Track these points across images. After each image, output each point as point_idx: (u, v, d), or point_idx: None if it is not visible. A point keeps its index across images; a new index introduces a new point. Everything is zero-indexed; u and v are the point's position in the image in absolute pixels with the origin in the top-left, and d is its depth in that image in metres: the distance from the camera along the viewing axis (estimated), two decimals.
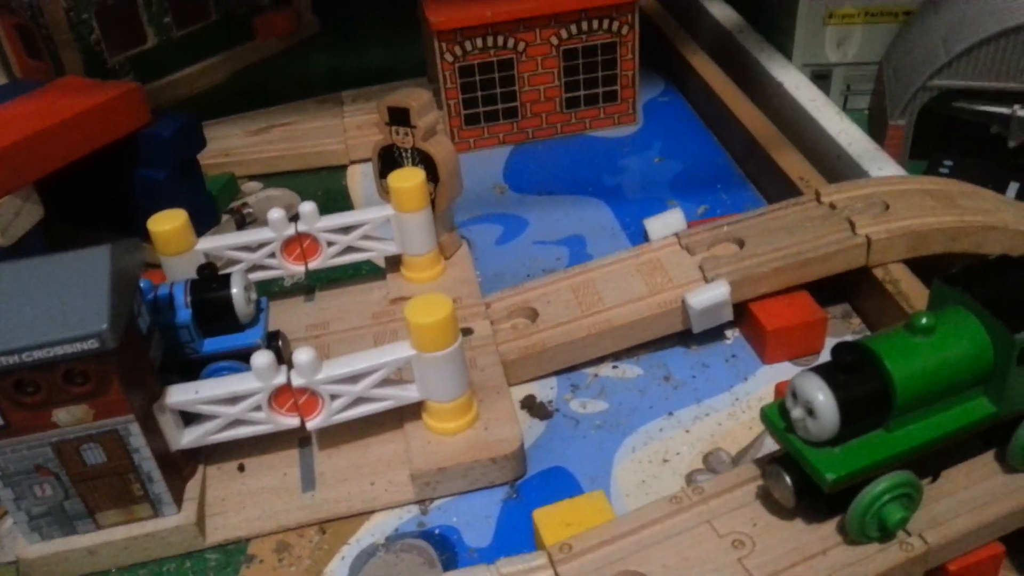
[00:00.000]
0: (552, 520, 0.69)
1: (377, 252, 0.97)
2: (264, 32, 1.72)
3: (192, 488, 0.76)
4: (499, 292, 0.95)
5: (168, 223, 0.89)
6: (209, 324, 0.80)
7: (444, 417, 0.77)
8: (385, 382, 0.76)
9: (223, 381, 0.75)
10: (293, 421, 0.75)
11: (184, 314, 0.78)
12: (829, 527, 0.64)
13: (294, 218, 0.93)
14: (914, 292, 0.87)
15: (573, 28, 1.25)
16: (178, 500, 0.74)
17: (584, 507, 0.70)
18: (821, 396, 0.60)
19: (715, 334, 0.92)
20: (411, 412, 0.79)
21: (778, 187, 1.10)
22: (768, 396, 0.84)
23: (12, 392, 0.65)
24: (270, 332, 0.83)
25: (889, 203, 0.93)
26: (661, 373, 0.89)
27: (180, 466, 0.76)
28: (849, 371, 0.61)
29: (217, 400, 0.73)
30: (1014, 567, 0.68)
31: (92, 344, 0.64)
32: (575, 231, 1.12)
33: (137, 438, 0.69)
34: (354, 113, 1.39)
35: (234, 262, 0.92)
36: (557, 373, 0.89)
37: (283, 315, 0.95)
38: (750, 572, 0.62)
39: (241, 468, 0.79)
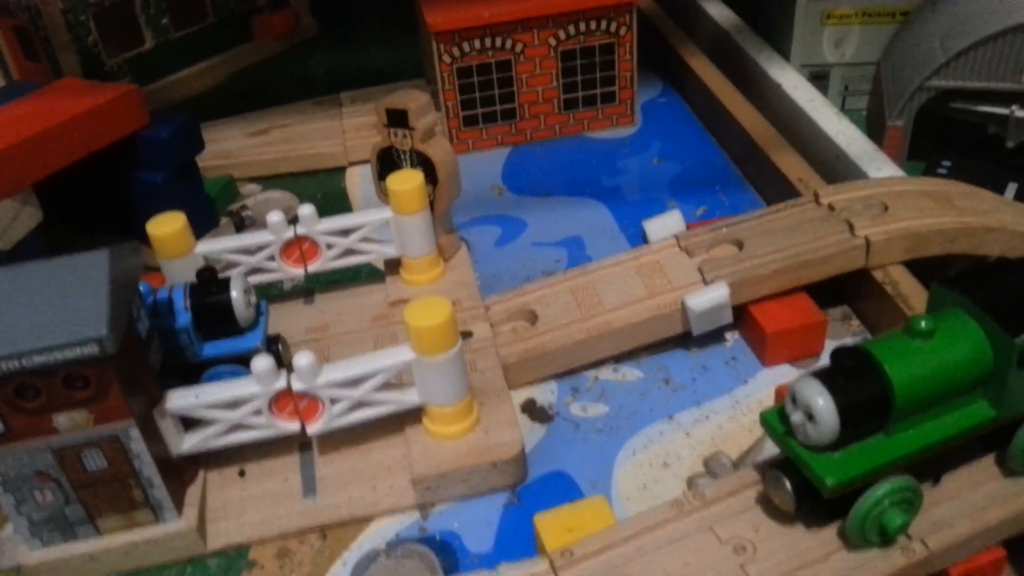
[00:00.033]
0: (553, 525, 0.69)
1: (376, 254, 0.97)
2: (262, 33, 1.72)
3: (193, 493, 0.76)
4: (498, 295, 0.95)
5: (167, 226, 0.89)
6: (209, 328, 0.80)
7: (445, 421, 0.77)
8: (385, 386, 0.75)
9: (223, 386, 0.75)
10: (294, 426, 0.75)
11: (184, 318, 0.78)
12: (831, 532, 0.64)
13: (293, 220, 0.93)
14: (913, 294, 0.87)
15: (571, 29, 1.25)
16: (179, 506, 0.74)
17: (585, 512, 0.70)
18: (821, 401, 0.60)
19: (715, 337, 0.92)
20: (411, 416, 0.79)
21: (777, 188, 1.10)
22: (768, 399, 0.84)
23: (12, 397, 0.65)
24: (270, 336, 0.83)
25: (888, 204, 0.94)
26: (661, 376, 0.89)
27: (181, 471, 0.76)
28: (848, 375, 0.61)
29: (217, 405, 0.73)
30: (1016, 571, 0.68)
31: (92, 349, 0.63)
32: (574, 232, 1.12)
33: (137, 443, 0.69)
34: (353, 115, 1.39)
35: (233, 265, 0.92)
36: (557, 376, 0.89)
37: (283, 318, 0.95)
38: None
39: (242, 473, 0.79)
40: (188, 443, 0.74)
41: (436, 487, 0.76)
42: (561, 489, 0.78)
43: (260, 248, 0.93)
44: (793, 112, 1.22)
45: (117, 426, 0.68)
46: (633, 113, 1.34)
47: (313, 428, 0.75)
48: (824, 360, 0.64)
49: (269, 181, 1.30)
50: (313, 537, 0.75)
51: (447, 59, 1.24)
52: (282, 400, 0.74)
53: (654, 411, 0.85)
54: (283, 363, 0.80)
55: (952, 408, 0.64)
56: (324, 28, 1.84)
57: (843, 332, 0.92)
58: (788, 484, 0.63)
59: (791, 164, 1.10)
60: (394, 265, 0.99)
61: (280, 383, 0.73)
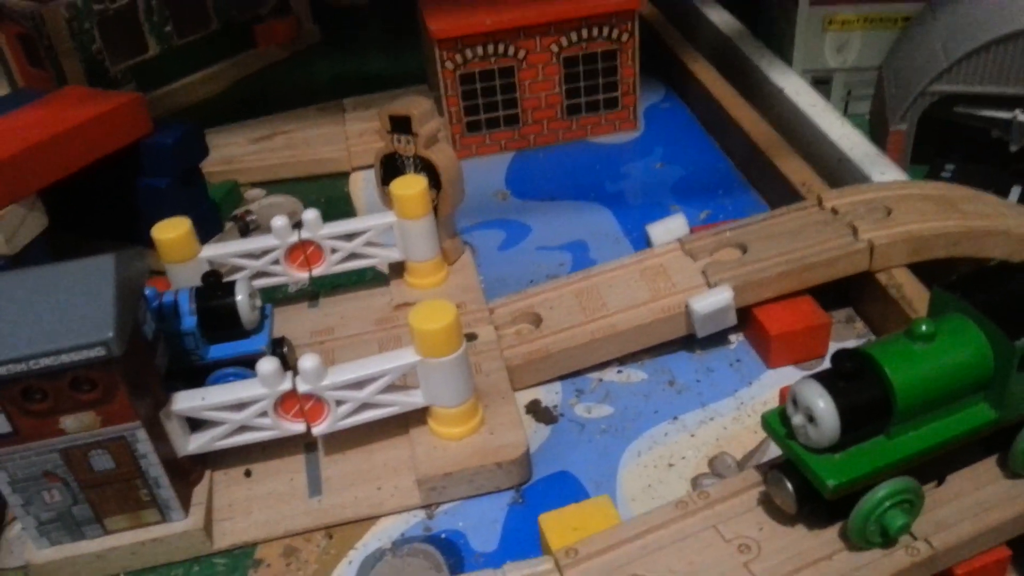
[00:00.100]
0: (558, 525, 0.69)
1: (380, 259, 0.97)
2: (265, 40, 1.72)
3: (199, 493, 0.77)
4: (503, 298, 0.95)
5: (172, 231, 0.89)
6: (214, 331, 0.80)
7: (449, 422, 0.77)
8: (390, 388, 0.76)
9: (229, 387, 0.75)
10: (299, 427, 0.76)
11: (189, 321, 0.79)
12: (835, 531, 0.65)
13: (297, 225, 0.93)
14: (917, 296, 0.87)
15: (573, 36, 1.26)
16: (185, 505, 0.74)
17: (590, 512, 0.70)
18: (821, 403, 0.60)
19: (719, 339, 0.92)
20: (416, 417, 0.79)
21: (780, 192, 1.11)
22: (772, 400, 0.84)
23: (20, 399, 0.65)
24: (275, 338, 0.84)
25: (891, 208, 0.94)
26: (665, 378, 0.89)
27: (187, 472, 0.76)
28: (849, 378, 0.61)
29: (223, 406, 0.74)
30: (1020, 571, 0.68)
31: (98, 352, 0.64)
32: (578, 237, 1.12)
33: (144, 444, 0.70)
34: (356, 120, 1.39)
35: (238, 269, 0.92)
36: (562, 378, 0.89)
37: (288, 322, 0.95)
38: None
39: (248, 473, 0.80)
40: (194, 444, 0.75)
41: (441, 487, 0.76)
42: (566, 489, 0.78)
43: (265, 252, 0.93)
44: (796, 116, 1.23)
45: (124, 428, 0.68)
46: (636, 118, 1.35)
47: (318, 429, 0.76)
48: (828, 362, 0.64)
49: (273, 186, 1.31)
50: (319, 537, 0.76)
51: (450, 65, 1.25)
52: (287, 402, 0.74)
53: (659, 412, 0.85)
54: (288, 365, 0.81)
55: (953, 411, 0.64)
56: (327, 35, 1.84)
57: (847, 334, 0.93)
58: (790, 485, 0.63)
59: (794, 168, 1.11)
60: (398, 269, 0.99)
61: (285, 385, 0.73)
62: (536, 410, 0.86)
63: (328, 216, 0.94)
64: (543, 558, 0.66)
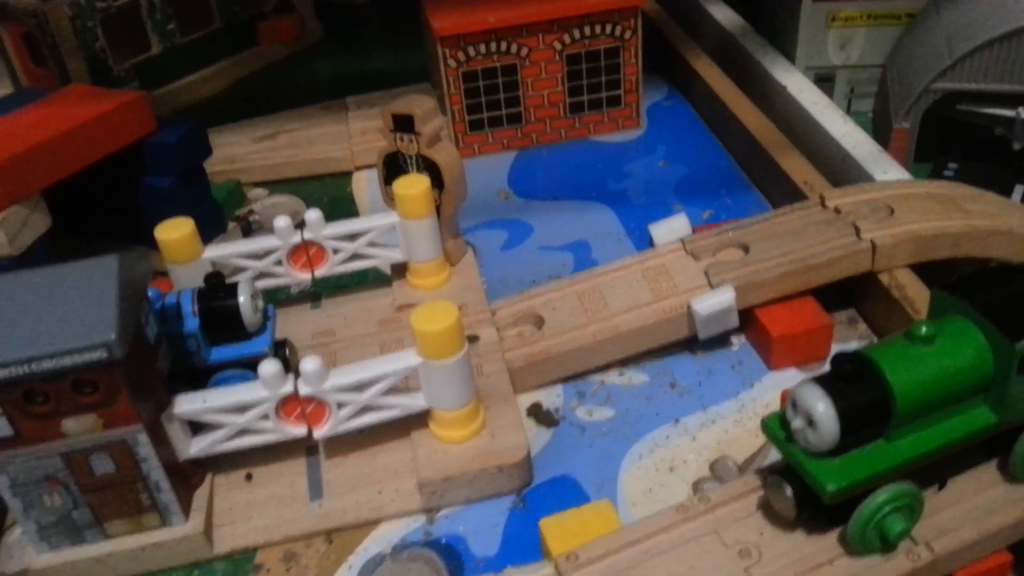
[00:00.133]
0: (559, 529, 0.69)
1: (383, 259, 0.97)
2: (268, 39, 1.72)
3: (200, 497, 0.77)
4: (505, 299, 0.95)
5: (175, 231, 0.89)
6: (216, 333, 0.80)
7: (451, 425, 0.77)
8: (392, 390, 0.76)
9: (231, 390, 0.75)
10: (300, 430, 0.76)
11: (191, 323, 0.79)
12: (836, 536, 0.64)
13: (300, 225, 0.93)
14: (920, 297, 0.87)
15: (576, 33, 1.26)
16: (186, 510, 0.74)
17: (591, 516, 0.70)
18: (821, 406, 0.60)
19: (721, 340, 0.92)
20: (418, 420, 0.79)
21: (782, 191, 1.10)
22: (774, 403, 0.84)
23: (21, 402, 0.65)
24: (277, 340, 0.84)
25: (894, 207, 0.94)
26: (667, 380, 0.89)
27: (188, 475, 0.76)
28: (849, 381, 0.61)
29: (225, 409, 0.74)
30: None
31: (100, 354, 0.64)
32: (580, 236, 1.12)
33: (145, 447, 0.70)
34: (359, 119, 1.39)
35: (241, 270, 0.92)
36: (563, 380, 0.89)
37: (290, 323, 0.95)
38: None
39: (248, 477, 0.80)
40: (195, 447, 0.75)
41: (442, 491, 0.76)
42: (567, 493, 0.78)
43: (267, 253, 0.93)
44: (798, 115, 1.22)
45: (125, 431, 0.68)
46: (638, 116, 1.34)
47: (320, 432, 0.76)
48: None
49: (276, 186, 1.31)
50: (319, 541, 0.76)
51: (452, 63, 1.25)
52: (289, 404, 0.74)
53: (660, 415, 0.85)
54: (290, 367, 0.81)
55: (953, 414, 0.63)
56: (329, 33, 1.84)
57: (850, 336, 0.92)
58: (789, 490, 0.63)
59: (797, 167, 1.10)
60: (400, 270, 0.99)
61: (287, 387, 0.73)
62: (537, 413, 0.86)
63: (331, 216, 0.94)
64: (544, 563, 0.66)
